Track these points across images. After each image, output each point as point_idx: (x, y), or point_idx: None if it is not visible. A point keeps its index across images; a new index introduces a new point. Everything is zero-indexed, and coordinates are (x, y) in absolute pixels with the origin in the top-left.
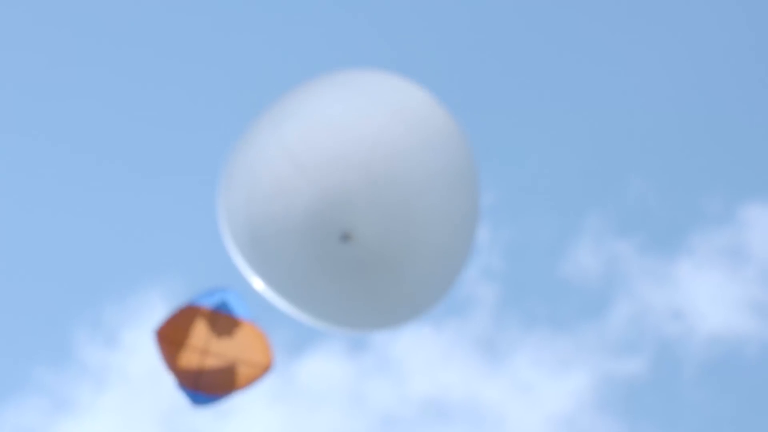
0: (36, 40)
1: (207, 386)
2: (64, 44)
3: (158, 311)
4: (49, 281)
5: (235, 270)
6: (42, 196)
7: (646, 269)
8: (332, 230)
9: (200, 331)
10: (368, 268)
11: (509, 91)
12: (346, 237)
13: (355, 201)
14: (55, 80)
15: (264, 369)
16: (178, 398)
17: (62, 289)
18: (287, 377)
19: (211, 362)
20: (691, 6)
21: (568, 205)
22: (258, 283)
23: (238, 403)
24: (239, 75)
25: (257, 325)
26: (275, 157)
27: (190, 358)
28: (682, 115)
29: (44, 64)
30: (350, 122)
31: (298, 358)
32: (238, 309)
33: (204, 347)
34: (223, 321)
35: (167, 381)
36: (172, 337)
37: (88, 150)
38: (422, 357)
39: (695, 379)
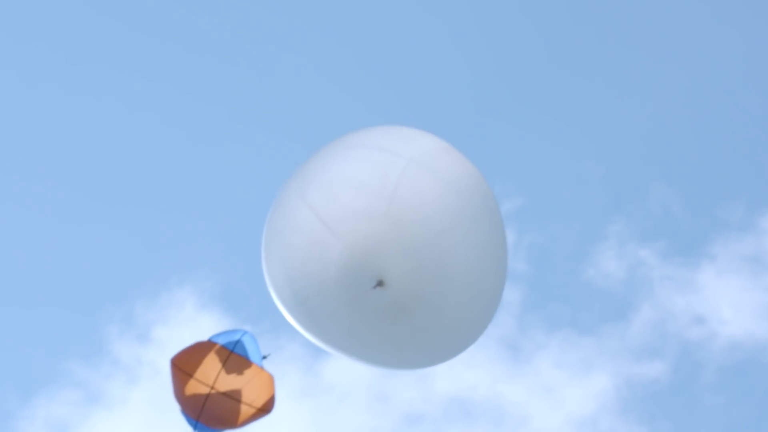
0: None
1: (208, 419)
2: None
3: (189, 308)
4: (83, 278)
5: (261, 268)
6: (78, 193)
7: (668, 275)
8: (366, 279)
9: (212, 367)
10: (406, 309)
11: (536, 99)
12: (380, 283)
13: (382, 248)
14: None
15: (264, 412)
16: None
17: (96, 286)
18: (314, 374)
19: (216, 398)
20: (715, 16)
21: (592, 212)
22: (309, 338)
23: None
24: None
25: (266, 370)
26: (303, 220)
27: (197, 390)
28: (705, 124)
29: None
30: (369, 176)
31: (325, 356)
32: (252, 352)
33: (212, 383)
34: (234, 361)
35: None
36: (185, 367)
37: (123, 149)
38: None
39: (715, 384)
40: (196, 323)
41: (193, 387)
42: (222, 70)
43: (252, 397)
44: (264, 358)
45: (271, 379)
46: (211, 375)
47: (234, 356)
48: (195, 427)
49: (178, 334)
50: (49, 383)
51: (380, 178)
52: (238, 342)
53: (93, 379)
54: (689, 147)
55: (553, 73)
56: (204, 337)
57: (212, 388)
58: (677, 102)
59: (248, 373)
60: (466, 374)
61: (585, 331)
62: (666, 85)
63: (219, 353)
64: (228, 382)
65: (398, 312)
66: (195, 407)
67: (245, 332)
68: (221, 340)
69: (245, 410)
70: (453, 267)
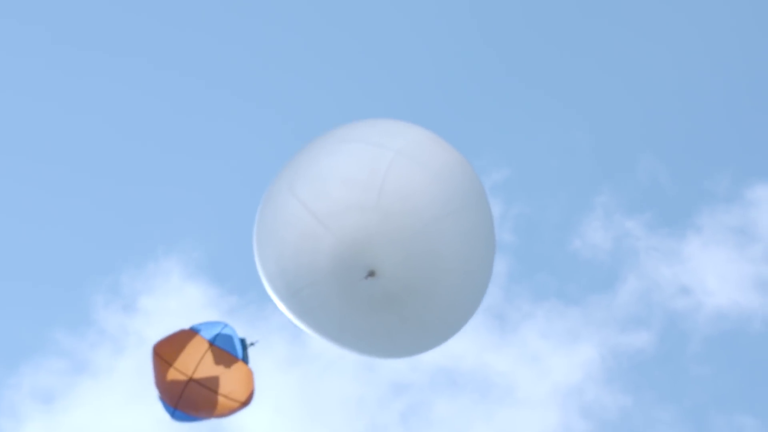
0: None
1: (186, 407)
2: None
3: (176, 278)
4: (69, 248)
5: (250, 242)
6: (64, 162)
7: (654, 246)
8: (357, 270)
9: (192, 357)
10: (397, 298)
11: (524, 70)
12: (371, 274)
13: (373, 239)
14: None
15: (242, 404)
16: None
17: (82, 256)
18: (300, 344)
19: (195, 387)
20: None
21: (579, 183)
22: (303, 329)
23: (253, 366)
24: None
25: (246, 364)
26: (294, 214)
27: (176, 378)
28: (692, 96)
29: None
30: (357, 170)
31: None
32: (233, 345)
33: (192, 372)
34: (215, 353)
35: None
36: (166, 355)
37: (112, 123)
38: None
39: (701, 354)
40: (183, 293)
41: (173, 375)
42: (216, 45)
43: (230, 389)
44: (251, 344)
45: (250, 374)
46: (190, 365)
47: (214, 348)
48: (173, 414)
49: (164, 304)
50: (35, 353)
51: (369, 172)
52: (218, 334)
53: (79, 348)
54: (677, 119)
55: (541, 44)
56: (189, 312)
57: (191, 378)
58: (665, 73)
59: (227, 365)
60: (453, 344)
61: (571, 301)
62: (654, 57)
63: (199, 344)
64: (206, 374)
65: (389, 301)
66: (173, 395)
67: (226, 324)
68: (203, 331)
69: (222, 402)
70: (442, 256)
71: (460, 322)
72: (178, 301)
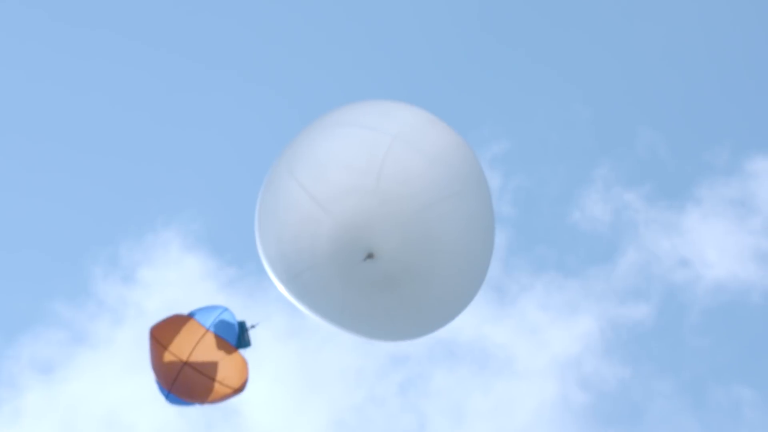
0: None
1: (180, 391)
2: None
3: (175, 250)
4: (68, 219)
5: (249, 213)
6: (64, 135)
7: (653, 218)
8: (356, 252)
9: (188, 342)
10: (397, 280)
11: (523, 43)
12: (370, 256)
13: (372, 222)
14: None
15: (236, 391)
16: None
17: (81, 227)
18: (299, 315)
19: (189, 372)
20: None
21: (578, 155)
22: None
23: (252, 338)
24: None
25: (237, 351)
26: (294, 197)
27: (171, 362)
28: (691, 67)
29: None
30: (356, 155)
31: None
32: (229, 331)
33: (186, 357)
34: (210, 340)
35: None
36: (161, 338)
37: (112, 94)
38: None
39: (700, 326)
40: (182, 265)
41: (168, 358)
42: (216, 20)
43: (224, 375)
44: (252, 327)
45: (245, 363)
46: (185, 349)
47: (210, 334)
48: (167, 397)
49: (163, 275)
50: (34, 324)
51: (367, 157)
52: (215, 320)
53: (78, 319)
54: (676, 91)
55: (540, 16)
56: (187, 284)
57: (186, 362)
58: (665, 45)
59: (222, 351)
60: None
61: (570, 273)
62: (653, 29)
63: (195, 329)
64: (202, 359)
65: (389, 284)
66: (168, 378)
67: (225, 309)
68: (199, 316)
69: (217, 388)
70: (441, 239)
71: (460, 305)
72: (177, 273)
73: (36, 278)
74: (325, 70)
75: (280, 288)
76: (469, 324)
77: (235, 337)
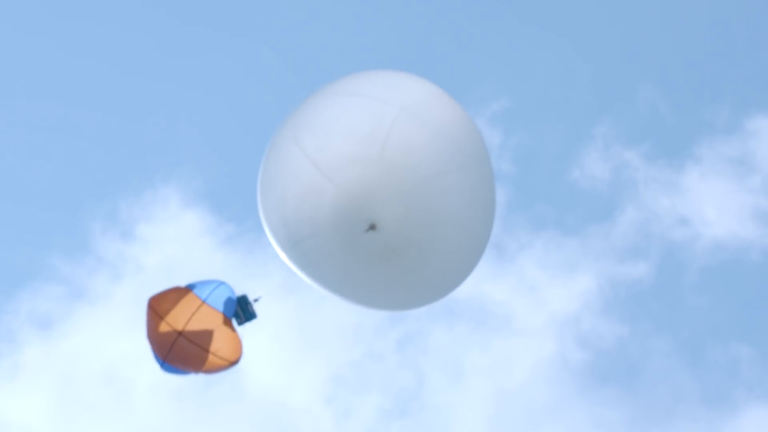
0: None
1: (175, 361)
2: None
3: (174, 206)
4: (67, 174)
5: (249, 169)
6: (63, 88)
7: (653, 177)
8: (359, 222)
9: (184, 313)
10: (397, 251)
11: (523, 1)
12: (372, 227)
13: (375, 193)
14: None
15: (230, 363)
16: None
17: (80, 182)
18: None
19: (183, 343)
20: None
21: (579, 113)
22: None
23: (250, 295)
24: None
25: (235, 327)
26: (298, 165)
27: (166, 332)
28: (692, 26)
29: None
30: (362, 125)
31: None
32: (226, 305)
33: (182, 328)
34: (206, 311)
35: (181, 274)
36: (158, 309)
37: (113, 51)
38: None
39: (698, 284)
40: (181, 221)
41: (164, 328)
42: None
43: (218, 347)
44: (255, 300)
45: (238, 338)
46: (181, 320)
47: (205, 306)
48: (162, 365)
49: (162, 231)
50: (33, 278)
51: (373, 127)
52: (212, 293)
53: (77, 275)
54: (677, 49)
55: None
56: (186, 240)
57: (180, 332)
58: (665, 4)
59: (217, 323)
60: None
61: (569, 231)
62: None
63: (191, 301)
64: (196, 329)
65: (390, 254)
66: (163, 347)
67: (221, 283)
68: (197, 289)
69: (211, 359)
70: (443, 211)
71: (458, 277)
72: (176, 229)
73: (35, 233)
74: (324, 26)
75: (281, 254)
76: (468, 281)
77: (233, 311)
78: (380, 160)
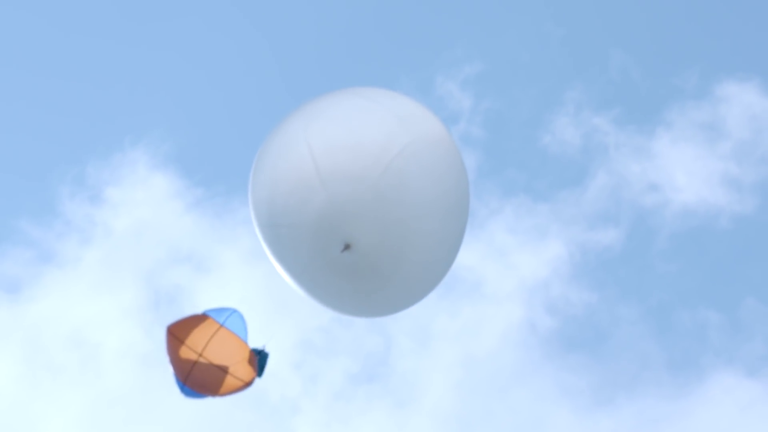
0: None
1: (194, 384)
2: None
3: (142, 169)
4: (34, 137)
5: (220, 134)
6: (30, 51)
7: (623, 142)
8: (337, 237)
9: (202, 338)
10: (359, 273)
11: None
12: (347, 247)
13: (361, 215)
14: None
15: (246, 384)
16: (160, 254)
17: (47, 146)
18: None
19: (203, 366)
20: None
21: (549, 77)
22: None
23: (219, 259)
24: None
25: (249, 347)
26: (299, 156)
27: (186, 356)
28: None
29: None
30: (372, 139)
31: None
32: (239, 329)
33: (200, 351)
34: (223, 335)
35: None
36: (179, 334)
37: (80, 11)
38: None
39: (668, 251)
40: (149, 184)
41: (184, 353)
42: None
43: (235, 368)
44: (263, 349)
45: (253, 357)
46: (200, 344)
47: (223, 330)
48: (182, 389)
49: (130, 194)
50: (0, 242)
51: (382, 148)
52: (228, 318)
53: (45, 238)
54: (648, 14)
55: None
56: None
57: (200, 354)
58: None
59: (234, 348)
60: None
61: (540, 197)
62: None
63: (209, 325)
64: (215, 354)
65: (351, 272)
66: (183, 371)
67: (234, 311)
68: (215, 316)
69: (229, 380)
70: (413, 250)
71: (406, 303)
72: (145, 192)
73: (2, 197)
74: (307, 9)
75: (256, 229)
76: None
77: (245, 333)
78: (376, 185)
